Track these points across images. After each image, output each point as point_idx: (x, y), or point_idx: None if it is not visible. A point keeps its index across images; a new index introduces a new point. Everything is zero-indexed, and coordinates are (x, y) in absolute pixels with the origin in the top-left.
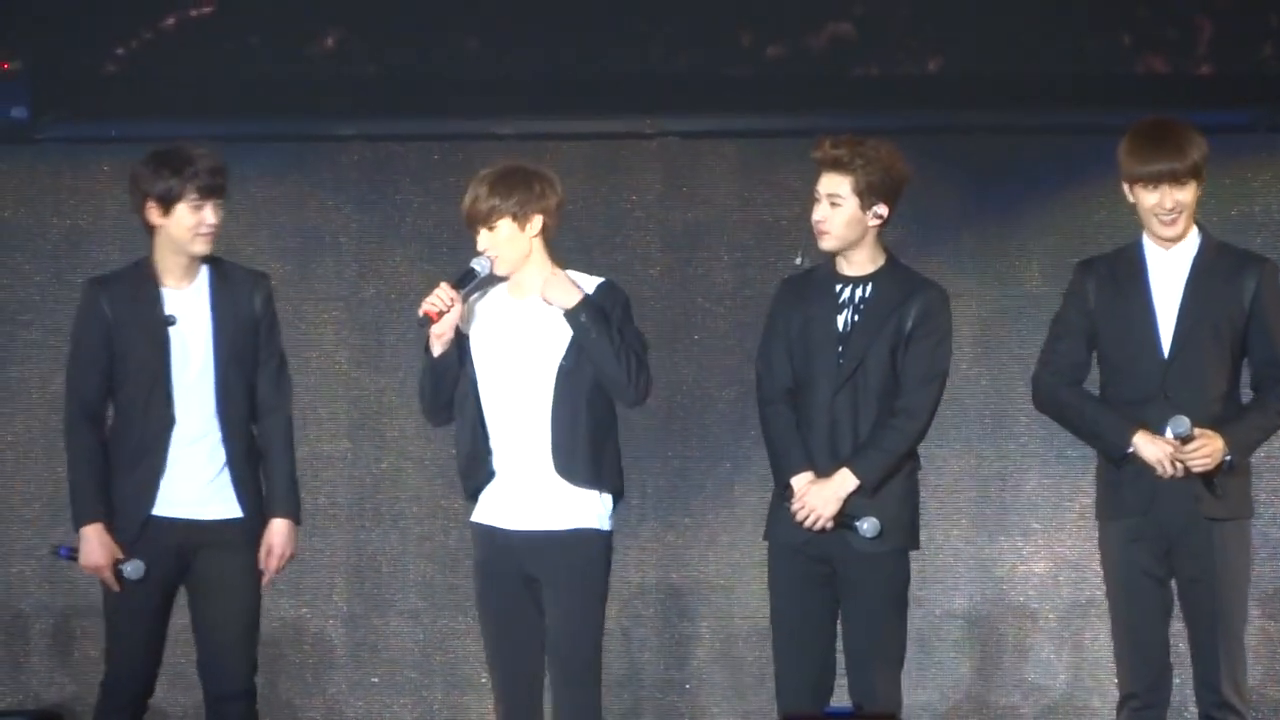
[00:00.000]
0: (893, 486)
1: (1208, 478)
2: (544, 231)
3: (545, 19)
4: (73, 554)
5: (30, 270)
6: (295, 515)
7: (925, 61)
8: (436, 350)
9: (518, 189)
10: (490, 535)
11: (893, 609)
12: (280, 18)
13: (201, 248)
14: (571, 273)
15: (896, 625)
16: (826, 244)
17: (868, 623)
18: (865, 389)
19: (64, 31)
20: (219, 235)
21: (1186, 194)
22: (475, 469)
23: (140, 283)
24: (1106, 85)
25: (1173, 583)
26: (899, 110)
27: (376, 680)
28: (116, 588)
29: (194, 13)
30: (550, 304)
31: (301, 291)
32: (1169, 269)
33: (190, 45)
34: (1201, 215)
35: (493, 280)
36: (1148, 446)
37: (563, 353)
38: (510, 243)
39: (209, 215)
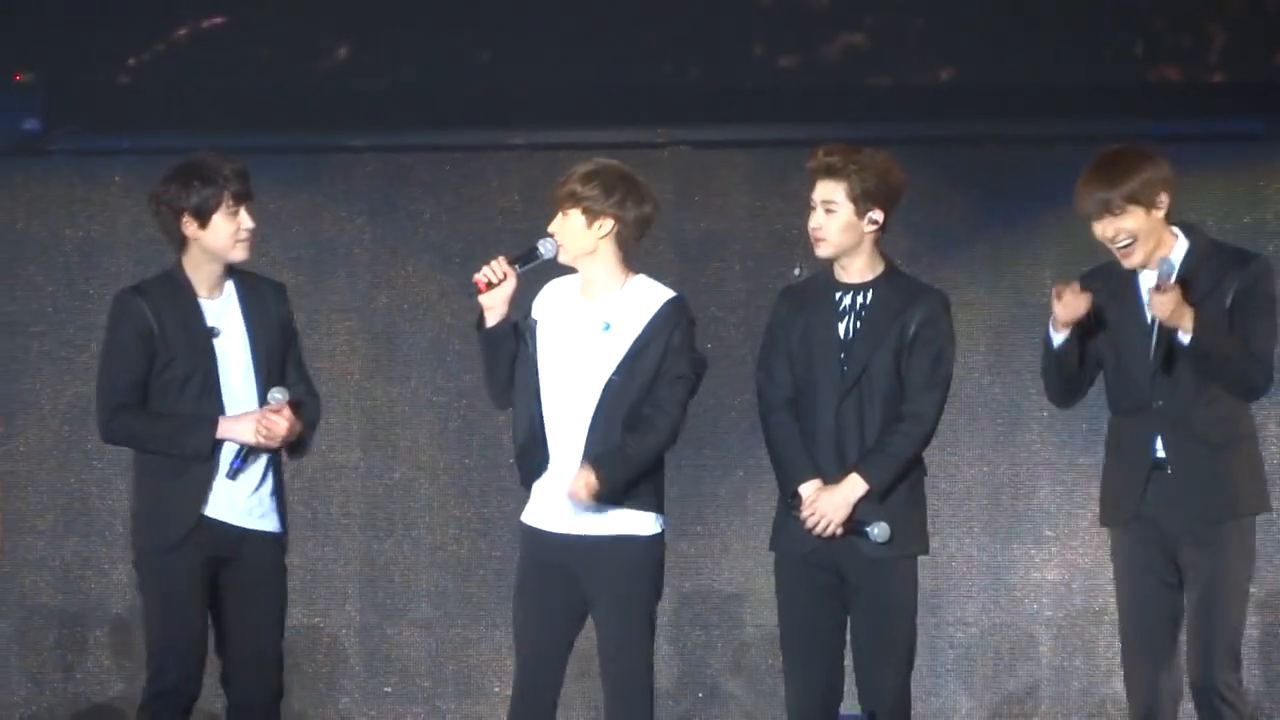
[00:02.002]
0: (900, 492)
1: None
2: (617, 238)
3: (557, 30)
4: (242, 461)
5: (42, 281)
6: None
7: (937, 72)
8: (488, 322)
9: (600, 186)
10: (536, 536)
11: (902, 614)
12: (292, 30)
13: (241, 254)
14: (644, 280)
15: (906, 630)
16: (822, 251)
17: (877, 628)
18: (870, 396)
19: (76, 44)
20: (255, 240)
21: (1129, 221)
22: (529, 456)
23: (176, 293)
24: (1119, 94)
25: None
26: (911, 120)
27: (389, 690)
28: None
29: (206, 25)
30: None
31: (314, 302)
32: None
33: (202, 57)
34: (1213, 222)
35: (558, 268)
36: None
37: (612, 368)
38: (576, 234)
39: (246, 220)
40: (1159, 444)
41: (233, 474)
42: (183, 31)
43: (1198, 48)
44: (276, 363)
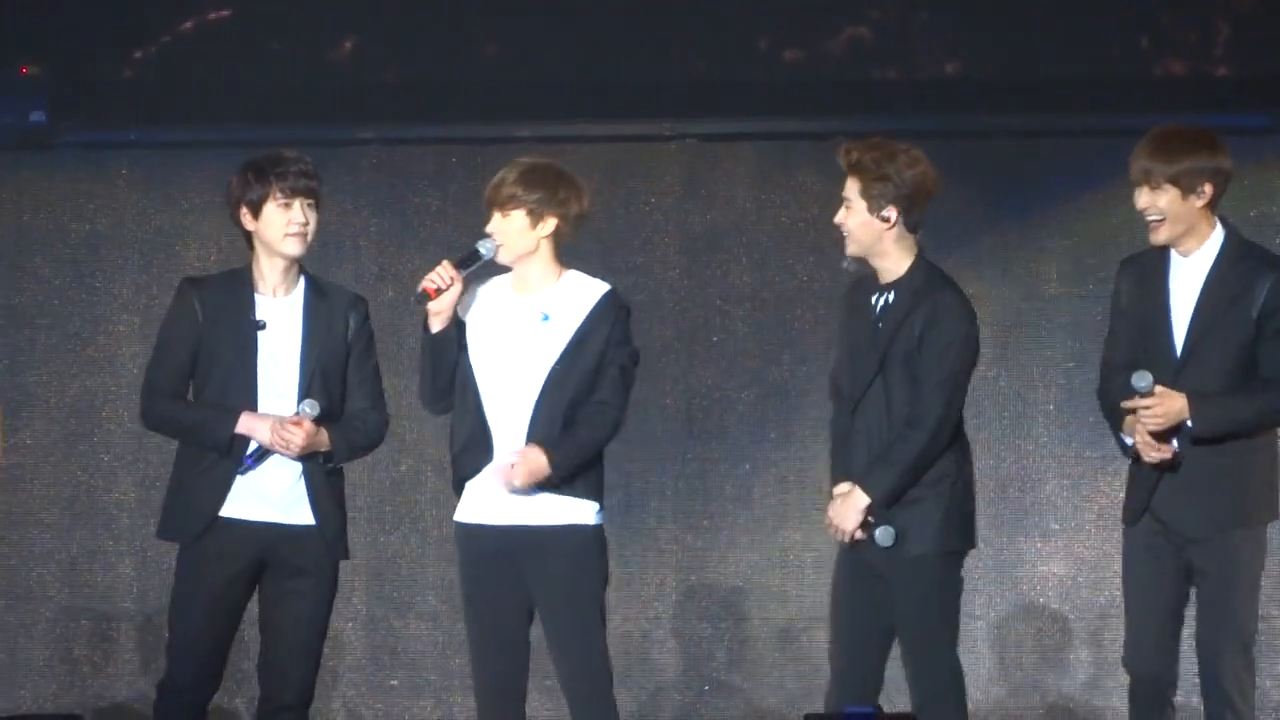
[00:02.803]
0: (920, 493)
1: (1163, 438)
2: (556, 235)
3: (563, 23)
4: (255, 460)
5: (49, 274)
6: (333, 444)
7: (943, 65)
8: (434, 327)
9: (542, 187)
10: (477, 533)
11: (926, 615)
12: (298, 22)
13: (294, 248)
14: (577, 274)
15: (933, 631)
16: (848, 248)
17: (907, 629)
18: (889, 398)
19: (82, 36)
20: (313, 237)
21: (1163, 199)
22: (473, 458)
23: (235, 287)
24: (1125, 88)
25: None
26: (916, 114)
27: (396, 683)
28: (301, 435)
29: (212, 17)
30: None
31: None
32: (1189, 272)
33: (208, 50)
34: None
35: (494, 266)
36: (1136, 434)
37: (555, 358)
38: (519, 235)
39: (298, 214)
40: (1177, 438)
41: (242, 470)
42: (188, 25)
43: (1203, 41)
44: (334, 372)
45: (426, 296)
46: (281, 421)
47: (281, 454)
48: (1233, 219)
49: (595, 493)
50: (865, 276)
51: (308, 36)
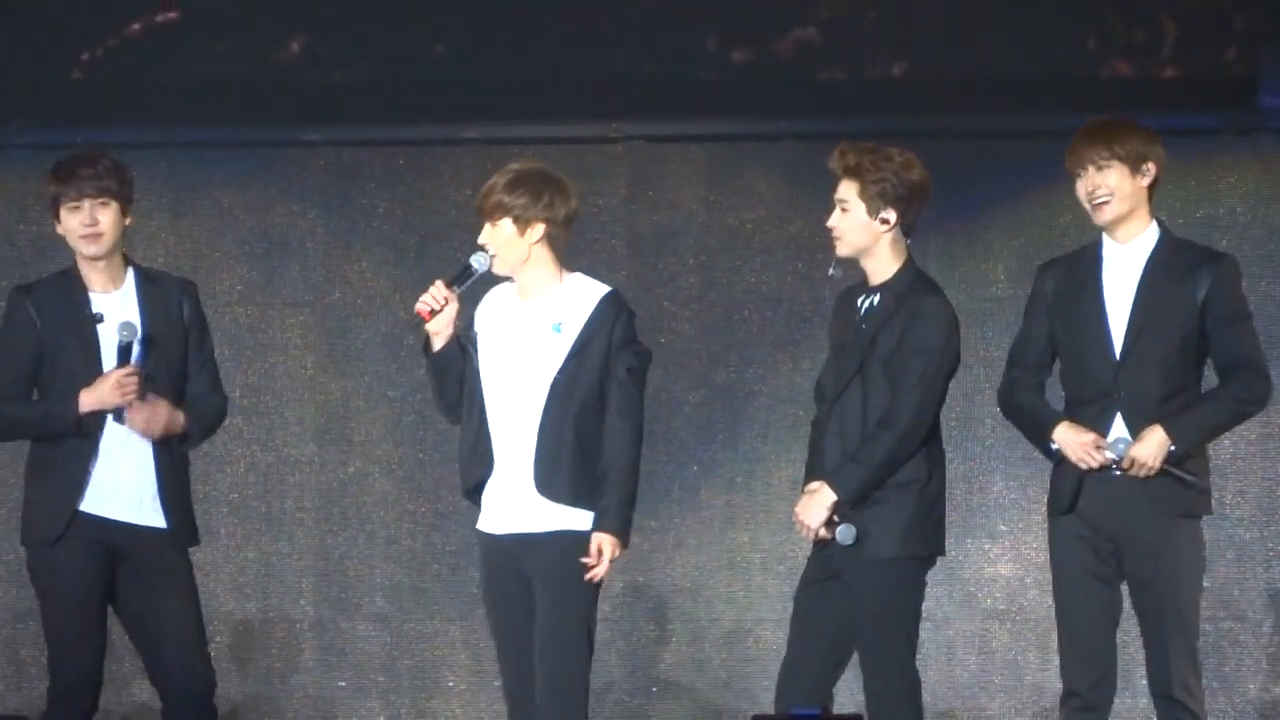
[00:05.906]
0: (885, 495)
1: (1164, 472)
2: (548, 240)
3: (510, 24)
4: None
5: None
6: (188, 425)
7: (890, 66)
8: (435, 346)
9: (526, 193)
10: (487, 542)
11: (882, 618)
12: (246, 24)
13: (90, 249)
14: (580, 277)
15: (888, 635)
16: (839, 250)
17: (863, 632)
18: (865, 398)
19: (29, 38)
20: (114, 236)
21: (1112, 177)
22: (474, 467)
23: (67, 287)
24: (1072, 89)
25: (1124, 586)
26: (864, 114)
27: (344, 684)
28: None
29: (160, 19)
30: None
31: (267, 296)
32: (1124, 268)
33: (156, 51)
34: (1166, 217)
35: (493, 278)
36: (1065, 435)
37: (558, 366)
38: (509, 244)
39: (86, 216)
40: (1115, 432)
41: (117, 417)
42: (136, 26)
43: (1150, 42)
44: (174, 357)
45: (421, 320)
46: (117, 378)
47: (140, 433)
48: (1179, 219)
49: (591, 501)
50: (857, 281)
51: (254, 38)
